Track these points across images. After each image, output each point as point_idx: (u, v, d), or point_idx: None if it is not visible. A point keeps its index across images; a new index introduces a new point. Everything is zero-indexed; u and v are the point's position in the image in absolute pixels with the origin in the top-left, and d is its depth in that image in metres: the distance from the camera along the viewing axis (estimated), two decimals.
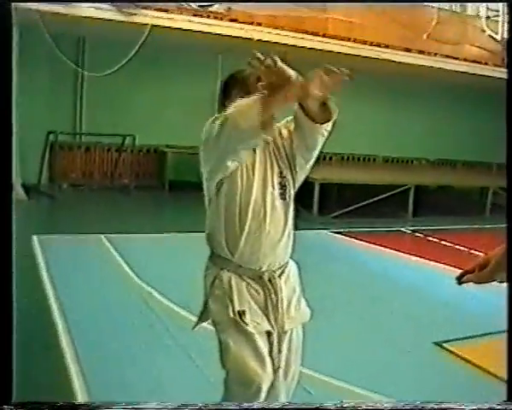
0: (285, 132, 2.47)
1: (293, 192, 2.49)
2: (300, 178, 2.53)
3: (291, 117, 2.40)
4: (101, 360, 3.88)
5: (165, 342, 4.18)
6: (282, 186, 2.43)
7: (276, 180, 2.42)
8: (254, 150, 2.39)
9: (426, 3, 12.95)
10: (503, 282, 1.69)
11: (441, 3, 12.78)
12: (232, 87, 2.46)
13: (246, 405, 1.76)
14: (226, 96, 2.48)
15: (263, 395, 2.35)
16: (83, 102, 11.77)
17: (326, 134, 2.34)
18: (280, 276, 2.46)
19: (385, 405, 1.46)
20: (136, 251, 6.66)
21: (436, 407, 1.46)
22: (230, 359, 2.36)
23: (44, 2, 8.65)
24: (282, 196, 2.43)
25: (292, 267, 2.57)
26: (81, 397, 3.35)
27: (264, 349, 2.37)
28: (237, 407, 1.61)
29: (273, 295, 2.42)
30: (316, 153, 2.47)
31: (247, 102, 2.15)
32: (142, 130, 11.75)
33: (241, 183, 2.37)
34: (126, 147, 11.97)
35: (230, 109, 2.21)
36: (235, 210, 2.37)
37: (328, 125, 2.29)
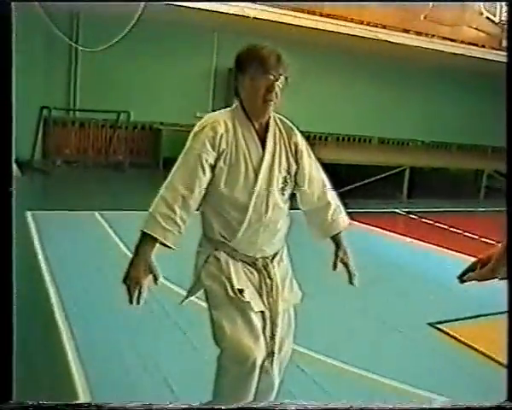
0: (304, 147, 2.48)
1: (292, 187, 2.49)
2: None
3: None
4: (97, 336, 3.88)
5: (160, 320, 4.19)
6: (285, 181, 2.42)
7: (282, 175, 2.41)
8: (264, 143, 2.36)
9: None
10: (504, 279, 1.70)
11: None
12: (250, 62, 2.29)
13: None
14: (241, 70, 2.33)
15: (257, 370, 2.35)
16: (77, 77, 11.67)
17: None
18: (273, 260, 2.48)
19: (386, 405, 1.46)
20: (130, 228, 6.59)
21: (438, 406, 1.45)
22: (225, 336, 2.36)
23: (44, 2, 8.55)
24: (283, 190, 2.42)
25: (284, 249, 2.59)
26: (76, 372, 3.36)
27: (258, 325, 2.38)
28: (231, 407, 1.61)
29: (267, 280, 2.44)
30: None
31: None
32: (137, 106, 11.68)
33: (246, 173, 2.34)
34: (121, 123, 11.90)
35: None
36: (236, 201, 2.35)
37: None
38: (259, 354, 2.35)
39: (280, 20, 10.78)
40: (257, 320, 2.39)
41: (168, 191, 2.29)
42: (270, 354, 2.43)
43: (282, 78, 2.30)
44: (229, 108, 2.41)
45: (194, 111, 12.29)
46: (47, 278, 4.89)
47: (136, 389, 3.23)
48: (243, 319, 2.36)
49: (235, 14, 10.33)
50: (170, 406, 1.48)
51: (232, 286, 2.38)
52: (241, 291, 2.37)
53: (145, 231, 2.26)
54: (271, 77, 2.27)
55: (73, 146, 11.82)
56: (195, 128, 2.35)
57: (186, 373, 3.41)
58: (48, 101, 10.90)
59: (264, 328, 2.40)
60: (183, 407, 1.50)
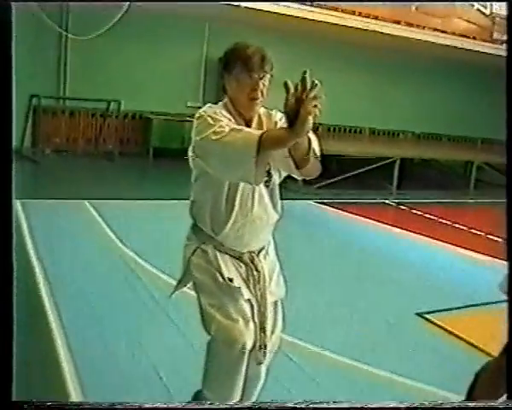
0: (280, 125, 2.39)
1: (277, 179, 2.47)
2: (284, 174, 2.47)
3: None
4: (85, 325, 3.88)
5: (149, 308, 4.19)
6: (269, 174, 2.41)
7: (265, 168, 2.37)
8: None
9: None
10: None
11: None
12: (234, 62, 2.30)
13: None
14: (227, 69, 2.34)
15: (246, 355, 2.37)
16: (67, 65, 11.58)
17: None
18: (259, 254, 2.50)
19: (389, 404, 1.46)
20: (119, 217, 6.62)
21: (440, 406, 1.45)
22: (215, 320, 2.38)
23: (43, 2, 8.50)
24: (267, 183, 2.42)
25: (271, 243, 2.60)
26: (64, 358, 3.36)
27: (247, 310, 2.40)
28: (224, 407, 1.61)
29: (255, 272, 2.47)
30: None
31: (246, 140, 2.09)
32: (128, 95, 11.62)
33: None
34: (111, 112, 11.84)
35: (228, 135, 2.15)
36: (223, 196, 2.36)
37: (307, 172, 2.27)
38: (249, 338, 2.38)
39: (271, 10, 10.75)
40: (246, 306, 2.41)
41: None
42: (263, 347, 2.44)
43: (267, 76, 2.30)
44: (221, 102, 2.41)
45: (184, 101, 12.25)
46: (36, 267, 4.88)
47: (125, 378, 3.23)
48: (233, 305, 2.38)
49: (227, 3, 10.28)
50: (168, 406, 1.48)
51: (222, 275, 2.39)
52: (230, 280, 2.40)
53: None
54: (255, 76, 2.27)
55: (63, 135, 11.74)
56: (196, 116, 2.32)
57: (175, 361, 3.42)
58: (37, 89, 10.82)
59: (252, 316, 2.42)
60: (183, 406, 1.50)
